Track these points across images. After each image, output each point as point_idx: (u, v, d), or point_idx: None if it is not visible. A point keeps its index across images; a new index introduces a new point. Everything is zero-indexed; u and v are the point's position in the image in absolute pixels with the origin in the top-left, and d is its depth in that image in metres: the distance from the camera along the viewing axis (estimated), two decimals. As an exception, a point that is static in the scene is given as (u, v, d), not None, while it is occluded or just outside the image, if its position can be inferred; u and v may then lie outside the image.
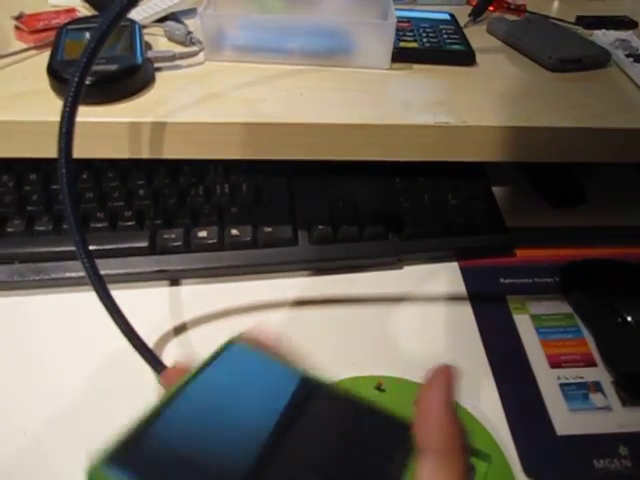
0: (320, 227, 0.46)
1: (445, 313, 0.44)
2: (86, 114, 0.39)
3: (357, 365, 0.40)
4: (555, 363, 0.42)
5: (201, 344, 0.41)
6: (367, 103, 0.43)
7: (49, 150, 0.41)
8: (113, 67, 0.41)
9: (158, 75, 0.45)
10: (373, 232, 0.46)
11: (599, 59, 0.50)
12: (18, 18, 0.50)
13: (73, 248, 0.43)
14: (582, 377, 0.41)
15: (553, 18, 0.58)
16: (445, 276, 0.47)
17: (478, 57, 0.50)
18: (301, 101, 0.42)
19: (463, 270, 0.48)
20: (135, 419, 0.22)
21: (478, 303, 0.45)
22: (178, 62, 0.46)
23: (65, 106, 0.33)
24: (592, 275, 0.47)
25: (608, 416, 0.38)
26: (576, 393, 0.40)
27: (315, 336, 0.42)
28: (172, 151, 0.41)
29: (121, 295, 0.36)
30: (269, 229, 0.45)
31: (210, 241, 0.45)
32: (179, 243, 0.44)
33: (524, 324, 0.44)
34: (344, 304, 0.44)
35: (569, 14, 0.59)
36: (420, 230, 0.47)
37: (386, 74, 0.47)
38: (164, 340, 0.41)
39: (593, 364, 0.42)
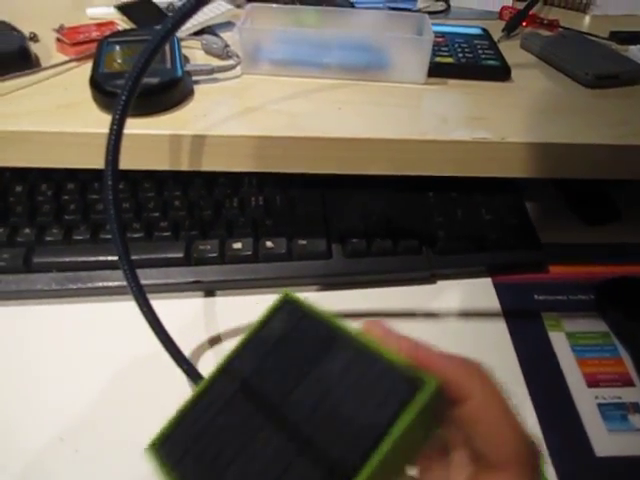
0: (354, 240, 0.46)
1: (479, 329, 0.44)
2: (127, 126, 0.39)
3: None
4: (592, 382, 0.41)
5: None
6: (404, 118, 0.43)
7: (89, 161, 0.42)
8: (154, 80, 0.42)
9: (196, 88, 0.46)
10: (407, 246, 0.46)
11: (635, 75, 0.50)
12: (59, 31, 0.50)
13: (110, 257, 0.45)
14: (620, 397, 0.40)
15: (586, 33, 0.58)
16: (478, 292, 0.47)
17: (513, 72, 0.50)
18: (339, 115, 0.43)
19: (497, 286, 0.47)
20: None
21: (512, 319, 0.45)
22: (216, 75, 0.47)
23: (114, 118, 0.34)
24: (628, 293, 0.46)
25: (648, 438, 0.38)
26: (614, 413, 0.39)
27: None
28: (211, 163, 0.42)
29: (157, 305, 0.36)
30: (303, 242, 0.45)
31: (245, 253, 0.45)
32: (214, 254, 0.45)
33: (559, 342, 0.44)
34: (376, 318, 0.44)
35: (602, 29, 0.59)
36: (453, 245, 0.47)
37: (422, 89, 0.47)
38: (199, 351, 0.41)
39: (631, 384, 0.41)
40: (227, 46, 0.49)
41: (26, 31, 0.50)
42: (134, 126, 0.41)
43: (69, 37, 0.49)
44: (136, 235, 0.45)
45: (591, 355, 0.43)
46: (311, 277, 0.45)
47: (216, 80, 0.47)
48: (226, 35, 0.52)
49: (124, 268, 0.35)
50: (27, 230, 0.45)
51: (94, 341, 0.42)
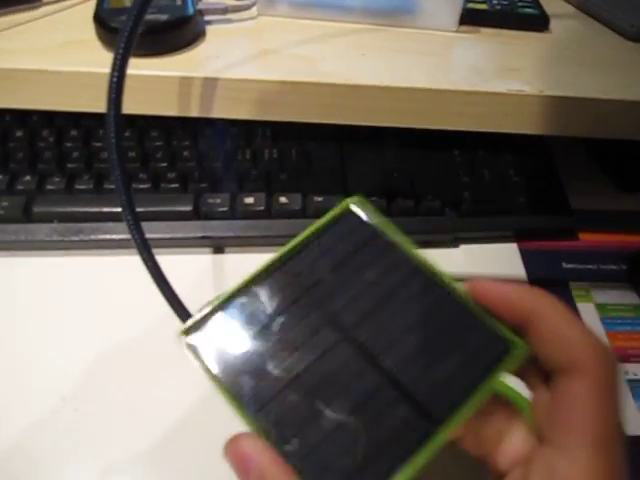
0: (373, 199, 0.43)
1: (503, 297, 0.41)
2: (133, 66, 0.36)
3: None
4: (622, 357, 0.39)
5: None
6: (434, 67, 0.39)
7: (93, 103, 0.39)
8: (163, 17, 0.39)
9: (208, 29, 0.42)
10: (429, 207, 0.43)
11: (685, 29, 0.46)
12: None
13: (114, 209, 0.42)
14: (652, 374, 0.38)
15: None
16: (504, 257, 0.44)
17: (551, 23, 0.46)
18: (363, 61, 0.39)
19: (523, 252, 0.45)
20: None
21: (539, 287, 0.42)
22: (230, 16, 0.43)
23: (116, 55, 0.31)
24: (662, 264, 0.43)
25: (681, 416, 0.36)
26: (645, 390, 0.37)
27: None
28: (223, 110, 0.39)
29: (162, 260, 0.34)
30: (319, 198, 0.43)
31: (257, 208, 0.42)
32: (225, 209, 0.42)
33: (588, 313, 0.41)
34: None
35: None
36: (479, 207, 0.44)
37: (453, 37, 0.43)
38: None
39: (663, 360, 0.39)
40: (243, -16, 0.45)
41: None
42: (141, 66, 0.38)
43: (73, -29, 0.46)
44: (142, 186, 0.43)
45: (622, 328, 0.40)
46: (327, 236, 0.42)
47: (230, 21, 0.43)
48: (242, -27, 0.49)
49: (127, 218, 0.32)
50: (27, 177, 0.43)
51: (96, 295, 0.40)
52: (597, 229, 0.47)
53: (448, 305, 0.23)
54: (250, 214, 0.42)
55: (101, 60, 0.38)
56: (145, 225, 0.34)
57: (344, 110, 0.38)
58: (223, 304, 0.24)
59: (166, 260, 0.34)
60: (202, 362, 0.23)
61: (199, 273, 0.41)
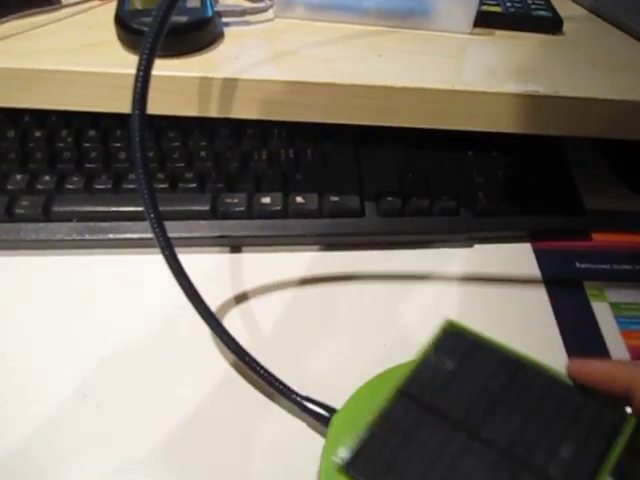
0: (389, 199, 0.43)
1: (518, 295, 0.42)
2: (154, 67, 0.37)
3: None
4: (637, 355, 0.39)
5: (261, 313, 0.39)
6: (449, 68, 0.40)
7: (114, 104, 0.40)
8: (183, 19, 0.39)
9: (226, 31, 0.43)
10: (444, 207, 0.44)
11: (697, 31, 0.46)
12: (81, -33, 0.47)
13: (132, 208, 0.43)
14: (666, 372, 0.38)
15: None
16: (518, 257, 0.44)
17: (564, 25, 0.46)
18: (380, 62, 0.40)
19: (537, 252, 0.45)
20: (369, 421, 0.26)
21: (553, 287, 0.42)
22: (247, 18, 0.44)
23: (142, 54, 0.31)
24: (676, 264, 0.44)
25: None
26: (661, 389, 0.37)
27: (380, 312, 0.40)
28: (242, 110, 0.39)
29: (181, 259, 0.34)
30: (335, 198, 0.43)
31: (274, 208, 0.42)
32: (242, 208, 0.42)
33: (603, 312, 0.41)
34: (411, 280, 0.42)
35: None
36: (493, 207, 0.44)
37: (467, 39, 0.44)
38: (225, 307, 0.39)
39: (678, 359, 0.39)
40: (259, -13, 0.46)
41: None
42: (161, 67, 0.38)
43: (92, -26, 0.46)
44: (160, 186, 0.43)
45: (636, 327, 0.41)
46: (343, 235, 0.43)
47: (247, 23, 0.44)
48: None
49: (150, 217, 0.33)
50: (47, 177, 0.43)
51: (115, 294, 0.40)
52: (610, 229, 0.47)
53: (555, 390, 0.26)
54: (267, 214, 0.43)
55: (122, 61, 0.39)
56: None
57: (361, 110, 0.39)
58: (367, 434, 0.26)
59: (185, 259, 0.35)
60: None
61: (217, 271, 0.42)
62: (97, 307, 0.39)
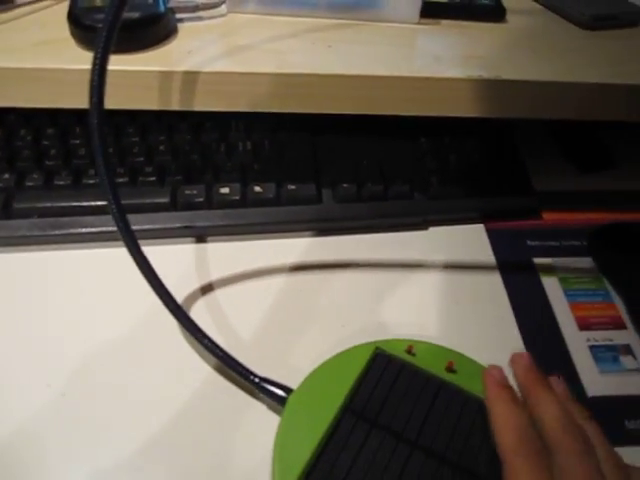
0: (345, 185, 0.45)
1: (472, 274, 0.43)
2: (109, 62, 0.37)
3: (383, 327, 0.39)
4: (584, 325, 0.41)
5: (227, 302, 0.40)
6: (397, 56, 0.41)
7: (71, 100, 0.40)
8: (135, 15, 0.40)
9: (180, 27, 0.44)
10: (398, 191, 0.45)
11: (634, 16, 0.48)
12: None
13: (93, 203, 0.43)
14: (611, 339, 0.40)
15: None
16: (471, 237, 0.46)
17: (507, 14, 0.48)
18: (330, 53, 0.41)
19: (489, 232, 0.47)
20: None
21: (505, 265, 0.44)
22: (200, 13, 0.45)
23: (97, 49, 0.32)
24: (620, 238, 0.46)
25: (639, 378, 0.38)
26: (606, 355, 0.39)
27: (338, 297, 0.41)
28: (202, 103, 0.40)
29: (146, 251, 0.35)
30: (293, 186, 0.44)
31: (233, 197, 0.44)
32: (201, 199, 0.43)
33: (552, 286, 0.43)
34: (368, 265, 0.43)
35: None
36: (446, 190, 0.46)
37: (414, 29, 0.45)
38: (191, 298, 0.40)
39: (623, 327, 0.41)
40: (212, -17, 0.47)
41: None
42: (119, 62, 0.39)
43: (45, -27, 0.47)
44: (120, 180, 0.44)
45: (583, 299, 0.43)
46: (301, 222, 0.44)
47: (200, 18, 0.45)
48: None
49: (113, 210, 0.33)
50: (6, 175, 0.44)
51: (78, 288, 0.41)
52: (559, 208, 0.49)
53: (470, 404, 0.32)
54: (226, 203, 0.44)
55: (77, 57, 0.39)
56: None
57: (313, 99, 0.40)
58: (319, 450, 0.29)
59: (149, 250, 0.35)
60: None
61: (183, 262, 0.42)
62: (60, 301, 0.40)
